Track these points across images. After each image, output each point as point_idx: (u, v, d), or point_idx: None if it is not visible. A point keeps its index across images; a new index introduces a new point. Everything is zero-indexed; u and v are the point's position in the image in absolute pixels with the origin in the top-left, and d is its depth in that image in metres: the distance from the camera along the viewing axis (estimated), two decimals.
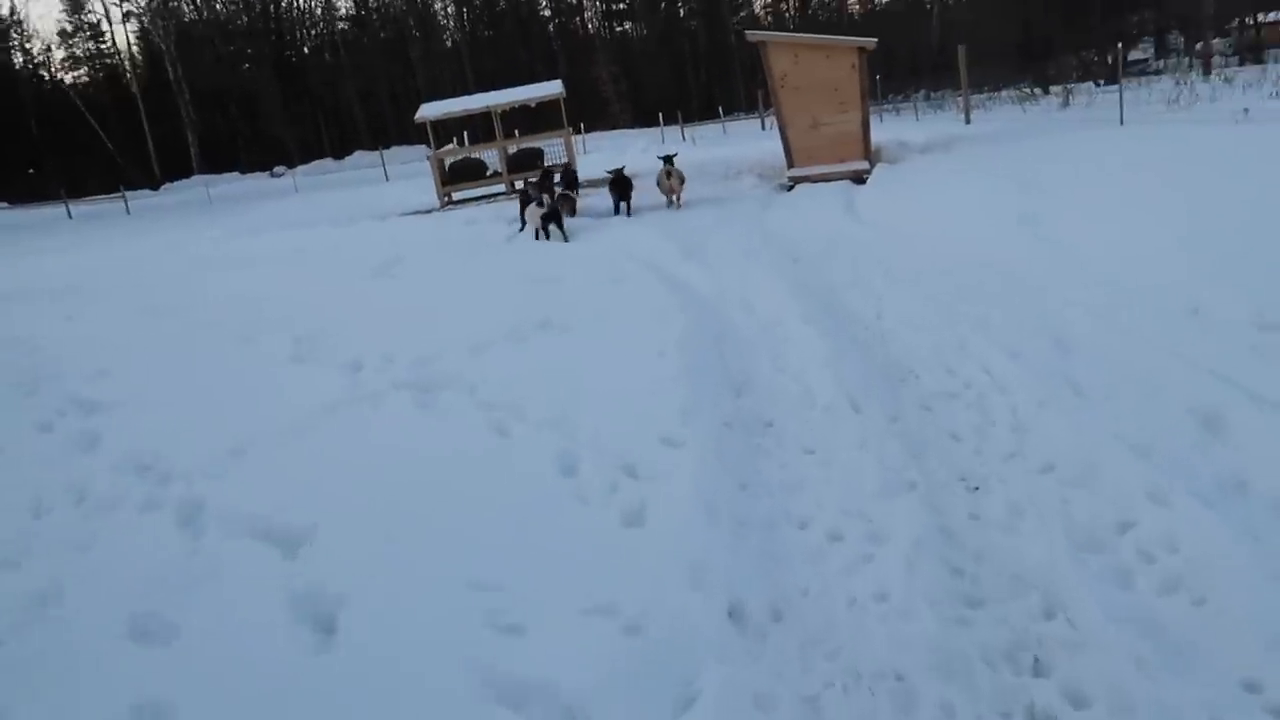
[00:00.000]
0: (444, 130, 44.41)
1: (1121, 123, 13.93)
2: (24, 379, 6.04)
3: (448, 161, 17.48)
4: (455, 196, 17.44)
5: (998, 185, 9.23)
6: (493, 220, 13.21)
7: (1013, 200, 8.33)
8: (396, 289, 8.51)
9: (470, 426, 4.56)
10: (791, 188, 12.89)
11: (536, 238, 10.69)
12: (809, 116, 13.74)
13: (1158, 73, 35.09)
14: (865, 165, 13.02)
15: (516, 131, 36.04)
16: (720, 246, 9.15)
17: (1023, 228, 7.38)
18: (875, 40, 13.43)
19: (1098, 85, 30.46)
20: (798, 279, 7.24)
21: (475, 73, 52.20)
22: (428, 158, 16.96)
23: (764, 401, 4.65)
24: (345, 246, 12.10)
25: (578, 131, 36.86)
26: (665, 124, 35.58)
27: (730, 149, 20.84)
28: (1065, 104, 19.66)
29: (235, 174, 49.81)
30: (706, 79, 55.03)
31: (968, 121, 18.82)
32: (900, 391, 4.59)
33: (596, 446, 4.07)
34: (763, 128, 33.28)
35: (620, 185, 12.70)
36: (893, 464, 3.75)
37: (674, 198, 12.84)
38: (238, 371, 6.04)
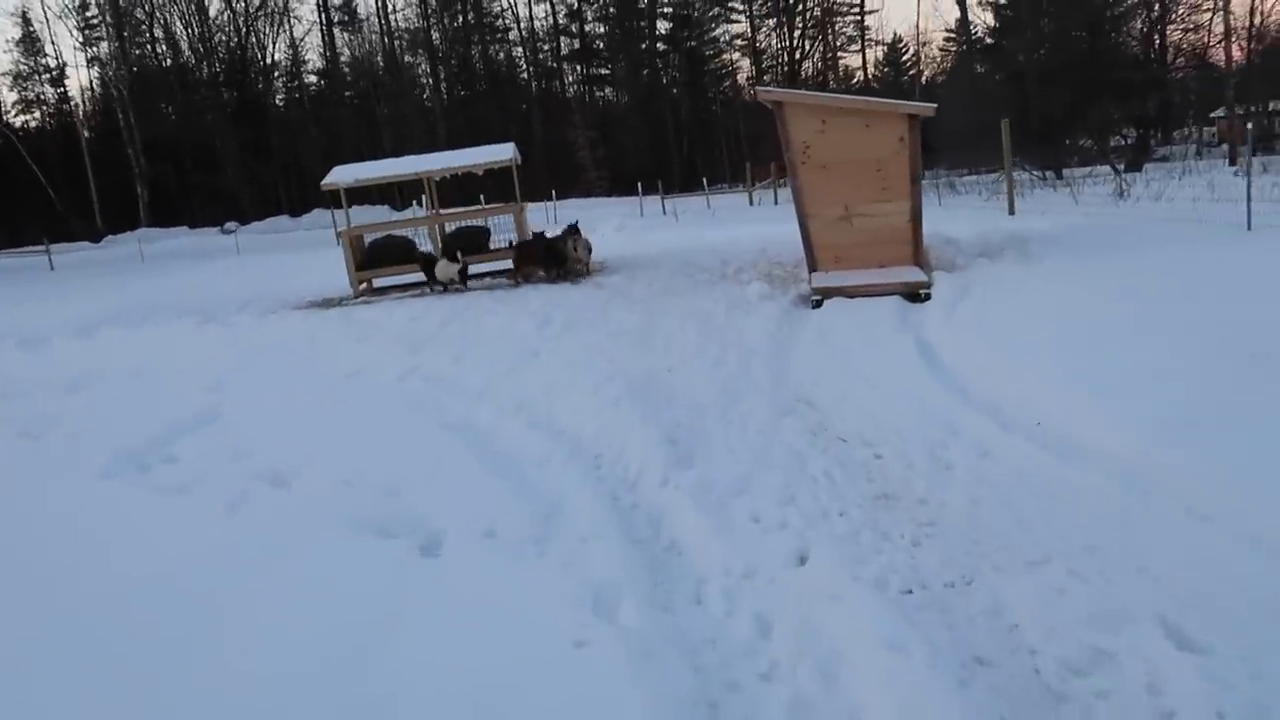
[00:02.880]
0: (409, 193, 40.62)
1: (1249, 227, 10.16)
2: None
3: (367, 239, 13.46)
4: (377, 283, 13.42)
5: (1199, 339, 5.29)
6: (398, 335, 9.13)
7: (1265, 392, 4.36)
8: (103, 533, 4.31)
9: None
10: (819, 303, 8.93)
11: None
12: (839, 205, 9.87)
13: (1164, 159, 31.99)
14: (922, 277, 9.11)
15: (483, 198, 32.26)
16: (731, 435, 5.10)
17: None
18: (934, 106, 9.62)
19: (1118, 172, 27.19)
20: (922, 585, 3.20)
21: (449, 132, 48.70)
22: (339, 233, 12.92)
23: None
24: (164, 376, 7.92)
25: (548, 198, 33.09)
26: (645, 193, 31.88)
27: (721, 231, 16.98)
28: (1122, 194, 16.04)
29: (185, 228, 45.69)
30: (689, 149, 51.76)
31: (1011, 212, 15.08)
32: None
33: None
34: (750, 203, 29.66)
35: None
36: None
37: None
38: None
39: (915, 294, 8.85)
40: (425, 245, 13.35)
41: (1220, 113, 35.65)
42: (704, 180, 36.97)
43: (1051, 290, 7.70)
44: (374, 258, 13.16)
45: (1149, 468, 3.94)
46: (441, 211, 14.55)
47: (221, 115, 49.00)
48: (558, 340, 8.06)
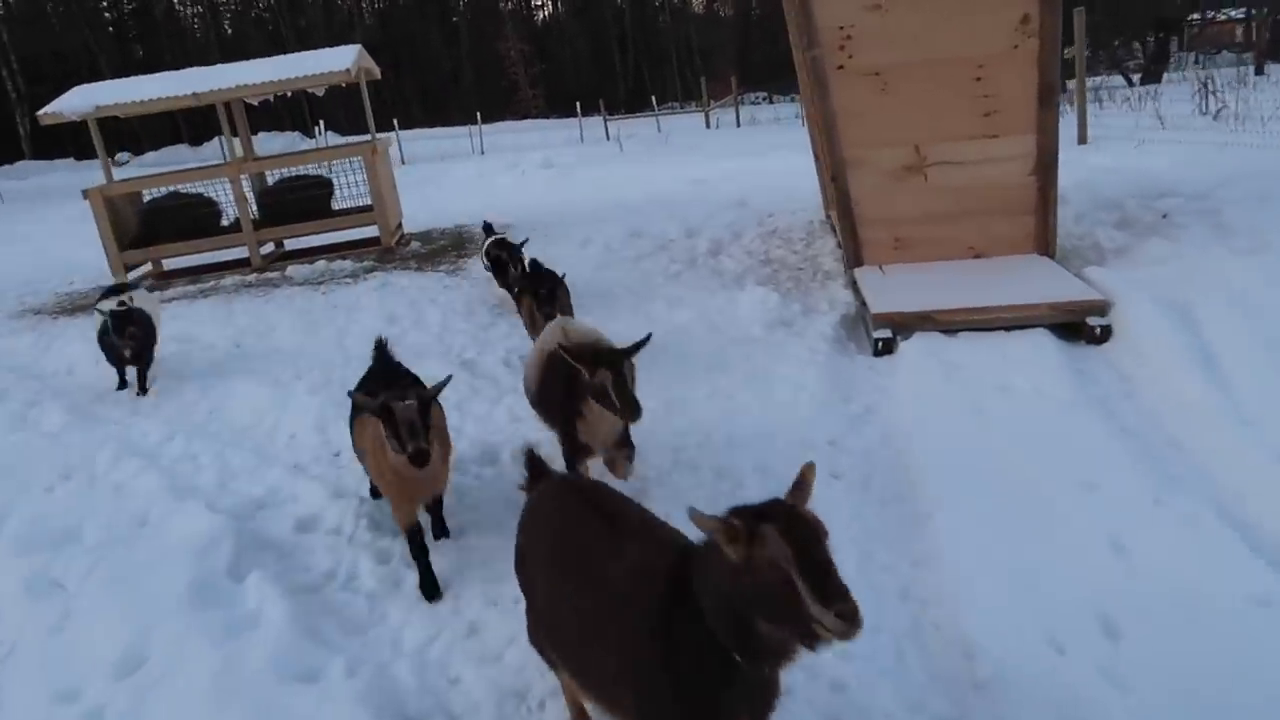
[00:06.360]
0: (333, 110, 34.57)
1: None
2: None
3: (145, 197, 8.52)
4: (170, 264, 8.55)
5: None
6: (42, 447, 4.42)
7: None
8: None
9: None
10: (888, 346, 4.37)
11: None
12: (903, 144, 5.26)
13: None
14: (1089, 291, 4.54)
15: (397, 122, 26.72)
16: None
17: None
18: None
19: (1130, 84, 22.64)
20: None
21: (366, 47, 42.36)
22: (85, 192, 7.93)
23: None
24: None
25: (472, 121, 27.51)
26: (586, 115, 26.45)
27: (680, 169, 12.21)
28: (1215, 114, 11.59)
29: (71, 160, 39.44)
30: (635, 64, 45.85)
31: (1082, 140, 10.50)
32: None
33: None
34: (708, 125, 24.56)
35: None
36: None
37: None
38: None
39: (1079, 325, 4.34)
40: (232, 208, 8.41)
41: (1237, 13, 30.88)
42: (653, 99, 31.59)
43: None
44: (154, 226, 8.24)
45: None
46: (256, 158, 9.50)
47: (104, 29, 42.04)
48: (344, 477, 3.42)
